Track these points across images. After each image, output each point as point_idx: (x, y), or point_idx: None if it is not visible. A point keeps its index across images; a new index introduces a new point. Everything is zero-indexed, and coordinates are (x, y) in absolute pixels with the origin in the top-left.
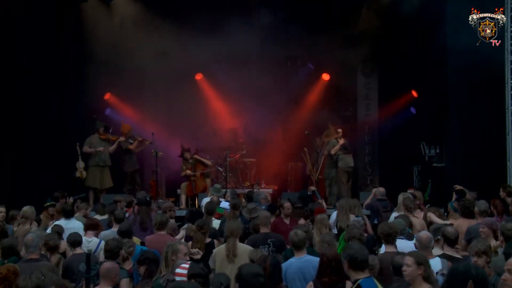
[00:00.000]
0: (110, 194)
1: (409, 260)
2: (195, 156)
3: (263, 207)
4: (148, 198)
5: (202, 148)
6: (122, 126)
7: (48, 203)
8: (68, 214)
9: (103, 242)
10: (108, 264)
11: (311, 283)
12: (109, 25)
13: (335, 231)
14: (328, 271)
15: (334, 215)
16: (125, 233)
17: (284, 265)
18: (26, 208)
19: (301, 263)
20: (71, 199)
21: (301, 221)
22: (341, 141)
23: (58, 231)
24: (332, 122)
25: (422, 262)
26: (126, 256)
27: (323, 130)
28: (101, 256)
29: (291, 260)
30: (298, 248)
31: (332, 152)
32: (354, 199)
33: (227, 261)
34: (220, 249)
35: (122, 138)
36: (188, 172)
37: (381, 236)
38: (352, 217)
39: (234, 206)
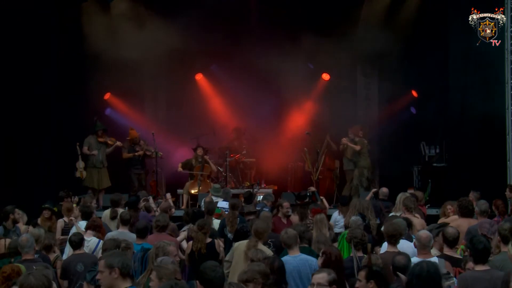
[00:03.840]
0: (110, 194)
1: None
2: (206, 156)
3: (267, 209)
4: (149, 198)
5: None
6: (129, 132)
7: (45, 206)
8: (88, 216)
9: (102, 242)
10: None
11: None
12: (109, 25)
13: (337, 230)
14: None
15: (335, 214)
16: (141, 231)
17: None
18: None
19: (297, 262)
20: (76, 198)
21: (295, 219)
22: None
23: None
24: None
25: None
26: None
27: (323, 130)
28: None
29: (286, 258)
30: (289, 246)
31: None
32: (365, 201)
33: (244, 258)
34: (241, 244)
35: (119, 143)
36: (195, 172)
37: (385, 236)
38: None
39: (233, 206)
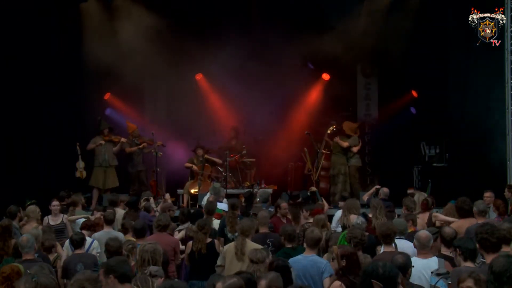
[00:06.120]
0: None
1: None
2: (206, 156)
3: (271, 208)
4: (149, 198)
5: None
6: (127, 126)
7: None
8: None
9: (95, 242)
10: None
11: (340, 282)
12: (109, 25)
13: (339, 229)
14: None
15: (338, 213)
16: (140, 231)
17: (290, 261)
18: (30, 207)
19: (307, 262)
20: None
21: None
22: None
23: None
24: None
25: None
26: (126, 255)
27: (323, 130)
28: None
29: (299, 257)
30: (311, 246)
31: (355, 150)
32: (355, 200)
33: (236, 259)
34: (230, 247)
35: (124, 139)
36: (194, 167)
37: (379, 237)
38: (354, 217)
39: (233, 206)
